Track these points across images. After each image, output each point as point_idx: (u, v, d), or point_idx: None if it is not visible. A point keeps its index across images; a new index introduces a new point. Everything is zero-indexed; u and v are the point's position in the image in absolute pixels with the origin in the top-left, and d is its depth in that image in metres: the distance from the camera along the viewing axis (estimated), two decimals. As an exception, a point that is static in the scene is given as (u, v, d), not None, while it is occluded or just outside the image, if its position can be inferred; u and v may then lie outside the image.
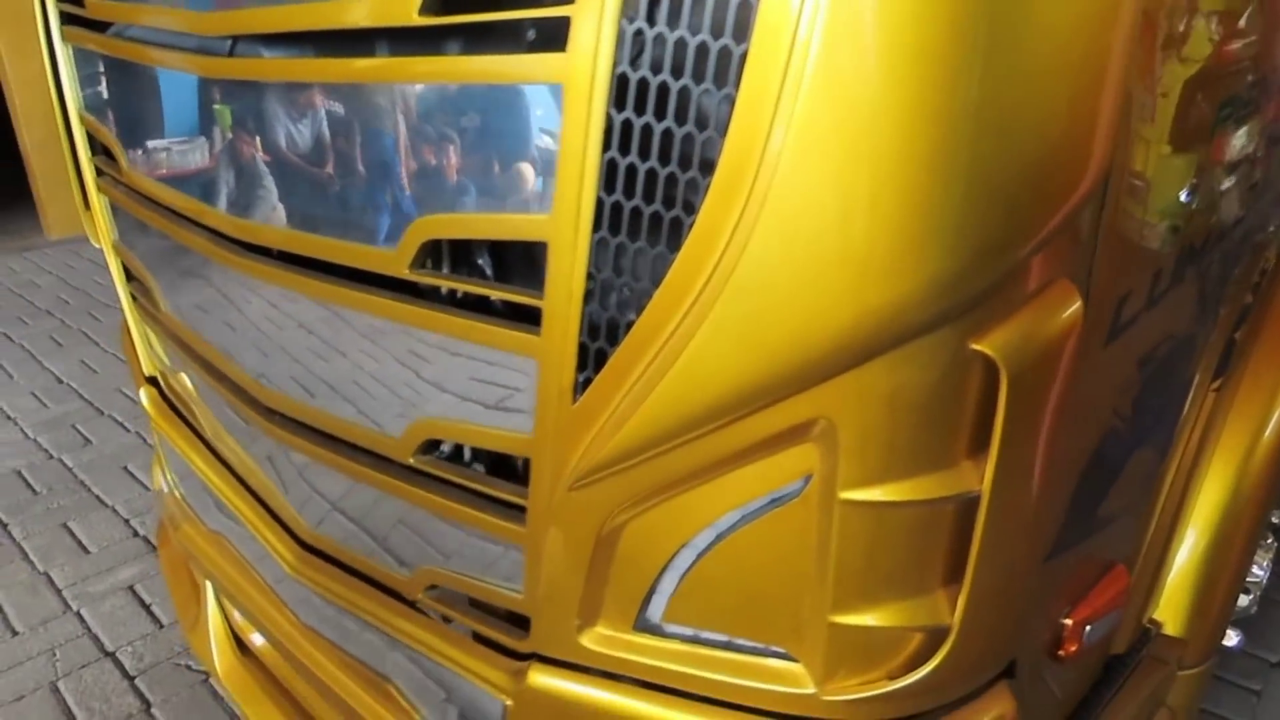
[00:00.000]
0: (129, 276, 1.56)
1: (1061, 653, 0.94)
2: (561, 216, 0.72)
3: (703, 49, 0.63)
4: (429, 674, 1.12)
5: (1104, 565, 1.03)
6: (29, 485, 2.78)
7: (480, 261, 0.88)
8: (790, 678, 0.81)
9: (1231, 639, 1.68)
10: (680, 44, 0.63)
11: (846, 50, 0.57)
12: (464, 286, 0.83)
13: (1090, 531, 0.94)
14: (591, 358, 0.76)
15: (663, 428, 0.74)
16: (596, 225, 0.71)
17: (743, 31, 0.61)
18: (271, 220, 1.01)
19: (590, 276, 0.73)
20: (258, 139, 0.99)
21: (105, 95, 1.37)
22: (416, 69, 0.78)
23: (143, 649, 2.07)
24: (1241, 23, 0.86)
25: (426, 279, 0.86)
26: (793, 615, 0.79)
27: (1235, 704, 1.90)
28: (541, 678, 0.94)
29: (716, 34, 0.62)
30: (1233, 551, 1.31)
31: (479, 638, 1.04)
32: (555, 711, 0.95)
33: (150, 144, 1.24)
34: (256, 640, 1.65)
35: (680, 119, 0.66)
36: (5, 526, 2.57)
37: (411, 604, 1.12)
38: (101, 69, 1.37)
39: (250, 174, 1.03)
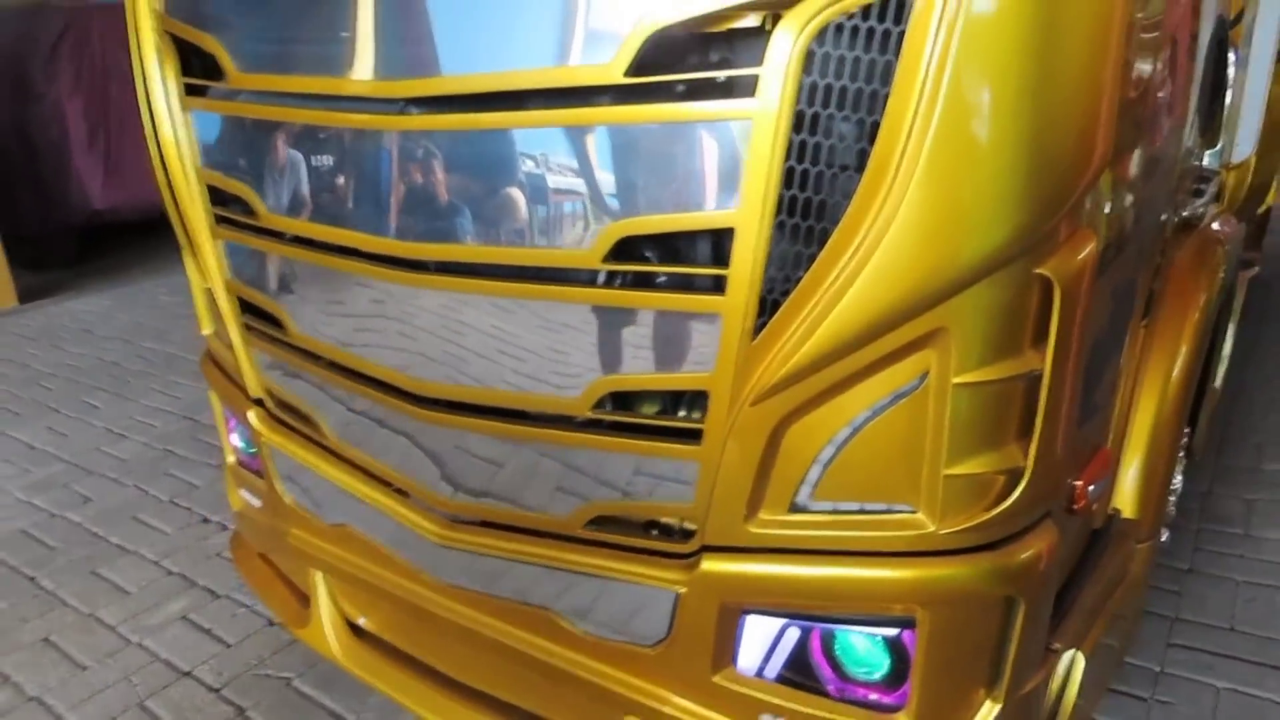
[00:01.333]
0: (242, 310, 1.77)
1: (1076, 507, 1.31)
2: (748, 208, 1.05)
3: (859, 91, 0.98)
4: (589, 592, 1.40)
5: (1095, 445, 1.42)
6: (41, 542, 2.84)
7: (648, 254, 1.20)
8: (913, 524, 1.14)
9: (1163, 535, 2.12)
10: (844, 89, 0.98)
11: (961, 85, 0.93)
12: (664, 270, 1.14)
13: (1091, 414, 1.32)
14: (768, 307, 1.09)
15: (822, 354, 1.07)
16: (777, 212, 1.04)
17: (887, 77, 0.96)
18: (460, 239, 1.29)
19: (769, 249, 1.06)
20: (446, 178, 1.27)
21: (241, 152, 1.61)
22: (636, 114, 1.09)
23: (219, 665, 2.22)
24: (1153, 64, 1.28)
25: (616, 267, 1.17)
26: (913, 476, 1.12)
27: (1162, 604, 2.35)
28: (712, 564, 1.25)
29: (868, 80, 0.97)
30: (1162, 454, 1.73)
31: (638, 549, 1.33)
32: (724, 587, 1.25)
33: (306, 189, 1.48)
34: (364, 623, 1.86)
35: (841, 136, 1.00)
36: (34, 580, 2.64)
37: (568, 539, 1.40)
38: (234, 131, 1.61)
39: (427, 205, 1.31)
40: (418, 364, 1.44)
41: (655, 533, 1.35)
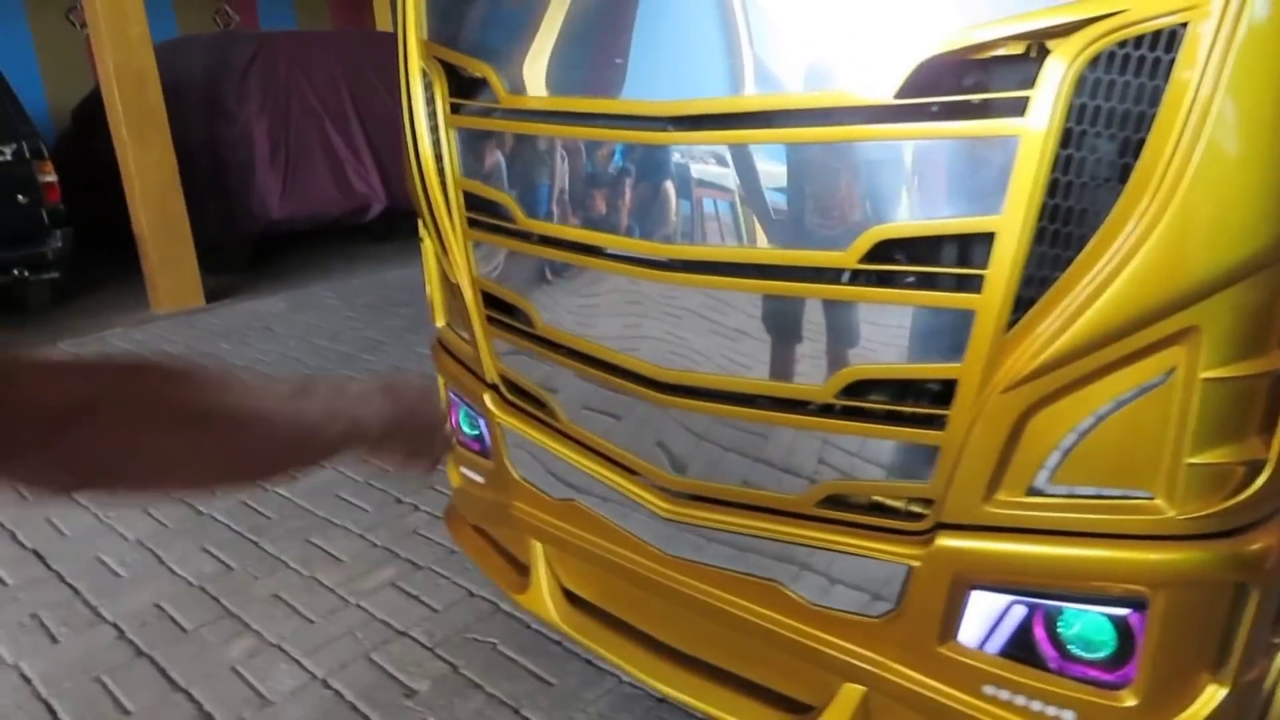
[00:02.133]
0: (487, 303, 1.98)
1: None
2: (1011, 215, 1.17)
3: (1126, 112, 1.09)
4: (818, 565, 1.53)
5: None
6: (259, 512, 3.16)
7: (898, 255, 1.33)
8: (1150, 509, 1.24)
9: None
10: (1111, 110, 1.10)
11: (1227, 107, 1.03)
12: (921, 270, 1.28)
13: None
14: (1021, 304, 1.21)
15: (1073, 349, 1.19)
16: (1039, 217, 1.16)
17: (1154, 99, 1.07)
18: (724, 243, 1.45)
19: (1029, 252, 1.18)
20: (714, 189, 1.44)
21: (502, 163, 1.82)
22: (911, 132, 1.23)
23: (430, 628, 2.45)
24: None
25: (874, 267, 1.30)
26: (1153, 464, 1.22)
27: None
28: (948, 541, 1.37)
29: (1135, 102, 1.09)
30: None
31: (871, 526, 1.46)
32: (957, 563, 1.37)
33: (568, 197, 1.68)
34: (580, 591, 2.05)
35: (1105, 151, 1.12)
36: (257, 544, 2.95)
37: (799, 515, 1.54)
38: (494, 144, 1.83)
39: (696, 211, 1.48)
40: (661, 353, 1.61)
41: (875, 510, 1.48)
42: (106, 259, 6.94)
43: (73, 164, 6.39)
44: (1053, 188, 1.15)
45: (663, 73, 1.47)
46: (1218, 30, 1.02)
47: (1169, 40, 1.06)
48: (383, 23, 9.91)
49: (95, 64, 5.60)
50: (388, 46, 6.83)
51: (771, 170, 1.39)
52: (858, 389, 1.41)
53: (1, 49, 5.51)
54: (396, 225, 7.43)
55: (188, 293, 6.01)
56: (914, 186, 1.26)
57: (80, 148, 6.79)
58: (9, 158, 5.18)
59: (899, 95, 1.22)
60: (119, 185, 5.70)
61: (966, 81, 1.22)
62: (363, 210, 6.95)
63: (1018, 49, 1.17)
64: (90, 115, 6.45)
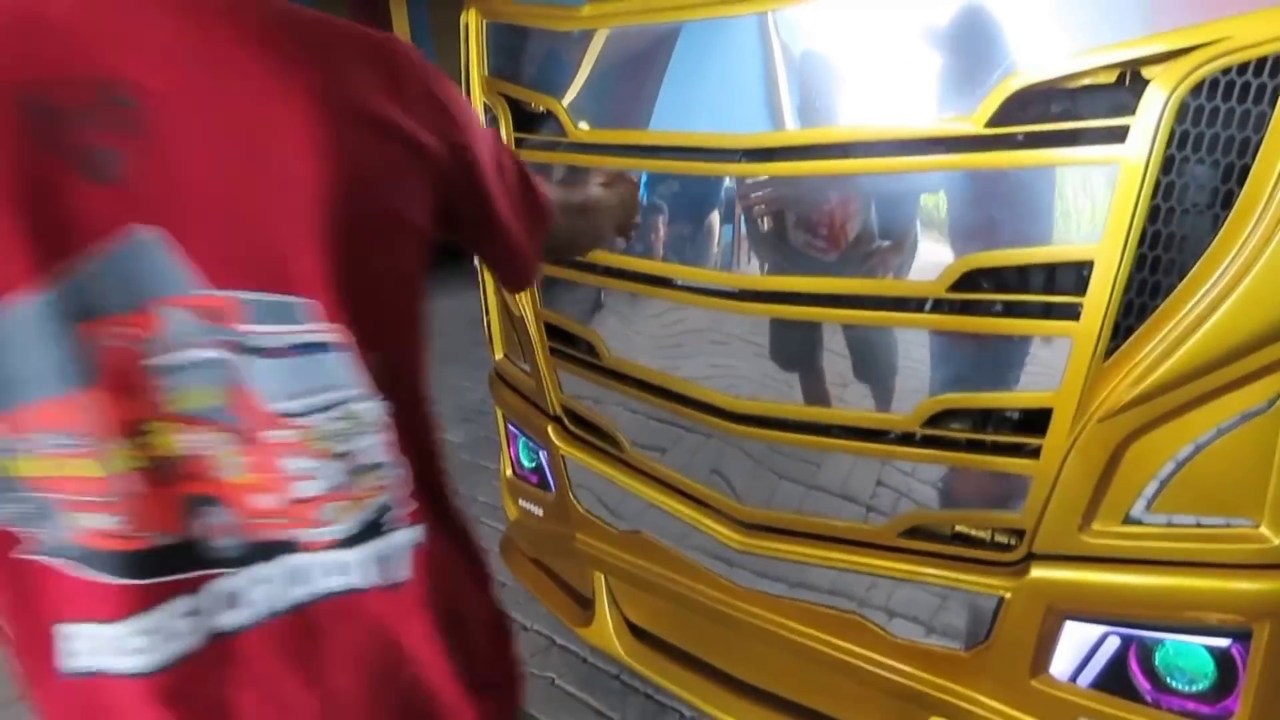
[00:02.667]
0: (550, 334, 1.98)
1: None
2: (1109, 243, 1.17)
3: (1230, 138, 1.09)
4: (903, 598, 1.52)
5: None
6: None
7: (986, 283, 1.33)
8: (1254, 538, 1.22)
9: None
10: (1214, 136, 1.10)
11: (1338, 134, 1.03)
12: (1014, 299, 1.27)
13: None
14: (1120, 332, 1.20)
15: (1174, 377, 1.18)
16: (1140, 244, 1.16)
17: (1259, 125, 1.07)
18: (813, 273, 1.45)
19: (1128, 279, 1.17)
20: (800, 220, 1.45)
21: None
22: (1008, 159, 1.23)
23: (485, 662, 2.43)
24: None
25: (963, 296, 1.30)
26: (1257, 492, 1.20)
27: None
28: (1041, 571, 1.35)
29: (1240, 128, 1.09)
30: None
31: (959, 557, 1.44)
32: (1051, 594, 1.35)
33: (640, 228, 1.69)
34: (645, 624, 2.03)
35: (1207, 178, 1.11)
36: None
37: (882, 546, 1.52)
38: (556, 176, 1.84)
39: (781, 243, 1.48)
40: (737, 384, 1.60)
41: (959, 541, 1.46)
42: None
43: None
44: (1154, 214, 1.15)
45: (742, 105, 1.48)
46: (1325, 56, 1.03)
47: (1275, 66, 1.06)
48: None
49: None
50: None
51: (857, 201, 1.39)
52: (946, 418, 1.40)
53: None
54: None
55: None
56: (1008, 215, 1.26)
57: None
58: None
59: (990, 124, 1.22)
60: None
61: (1056, 109, 1.23)
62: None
63: (1110, 77, 1.17)
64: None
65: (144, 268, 0.59)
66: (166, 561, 0.63)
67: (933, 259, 1.32)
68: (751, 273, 1.51)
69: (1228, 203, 1.11)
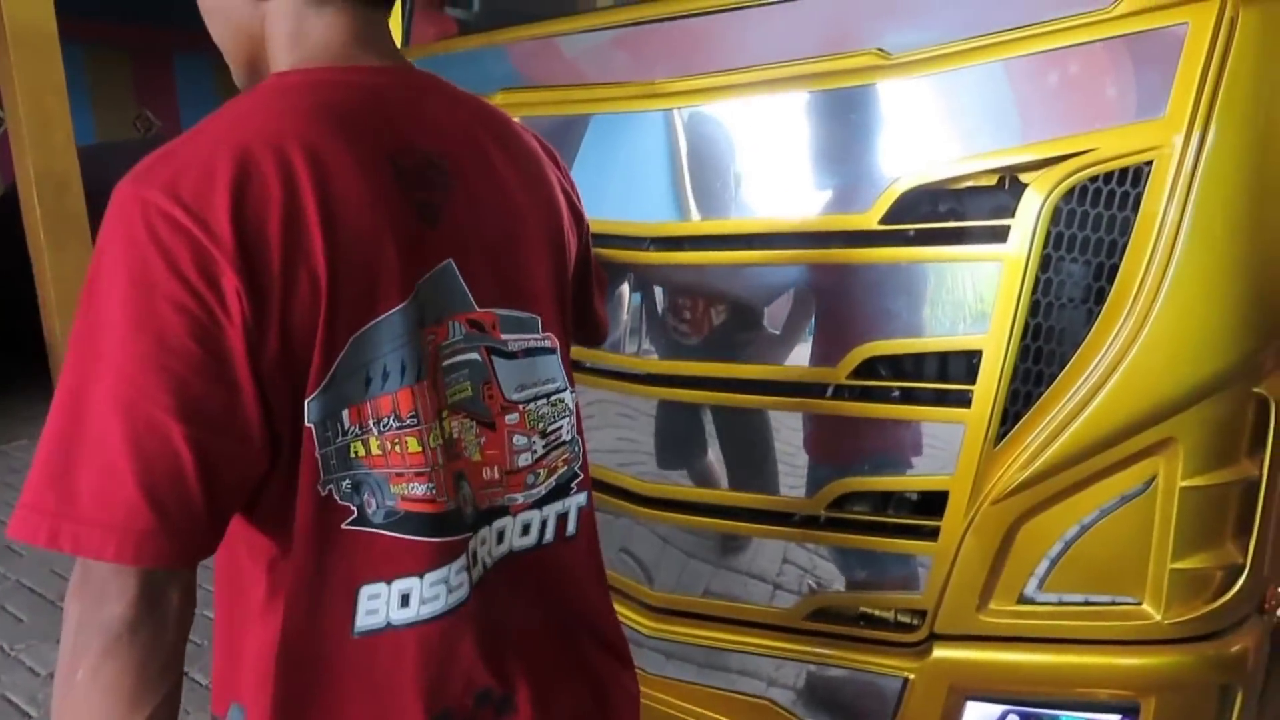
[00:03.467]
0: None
1: (1267, 607, 1.43)
2: (996, 334, 1.24)
3: (1099, 240, 1.18)
4: (808, 680, 1.52)
5: None
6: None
7: (883, 371, 1.38)
8: (1138, 614, 1.28)
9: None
10: (1085, 238, 1.19)
11: (1193, 237, 1.13)
12: (909, 386, 1.32)
13: None
14: (1008, 418, 1.26)
15: (1060, 460, 1.24)
16: (1023, 336, 1.23)
17: (1125, 228, 1.16)
18: (715, 358, 1.48)
19: (1014, 368, 1.24)
20: (708, 306, 1.48)
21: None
22: (899, 255, 1.29)
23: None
24: None
25: (861, 383, 1.35)
26: (1138, 570, 1.27)
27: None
28: (943, 652, 1.38)
29: (1107, 230, 1.18)
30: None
31: (863, 639, 1.46)
32: (953, 674, 1.38)
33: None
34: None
35: (1080, 275, 1.20)
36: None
37: (787, 629, 1.53)
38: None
39: (685, 327, 1.51)
40: (641, 465, 1.61)
41: (864, 622, 1.49)
42: (11, 368, 6.59)
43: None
44: (1034, 308, 1.22)
45: (649, 195, 1.52)
46: (1179, 166, 1.13)
47: (1135, 176, 1.16)
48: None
49: (6, 168, 5.46)
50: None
51: (760, 289, 1.44)
52: (848, 500, 1.43)
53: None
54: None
55: (100, 402, 5.73)
56: (901, 306, 1.33)
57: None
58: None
59: (883, 221, 1.29)
60: (30, 292, 5.47)
61: (943, 208, 1.31)
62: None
63: (990, 180, 1.26)
64: (2, 220, 6.23)
65: (447, 290, 0.76)
66: (453, 524, 0.77)
67: (832, 346, 1.37)
68: (656, 356, 1.54)
69: (1100, 299, 1.20)
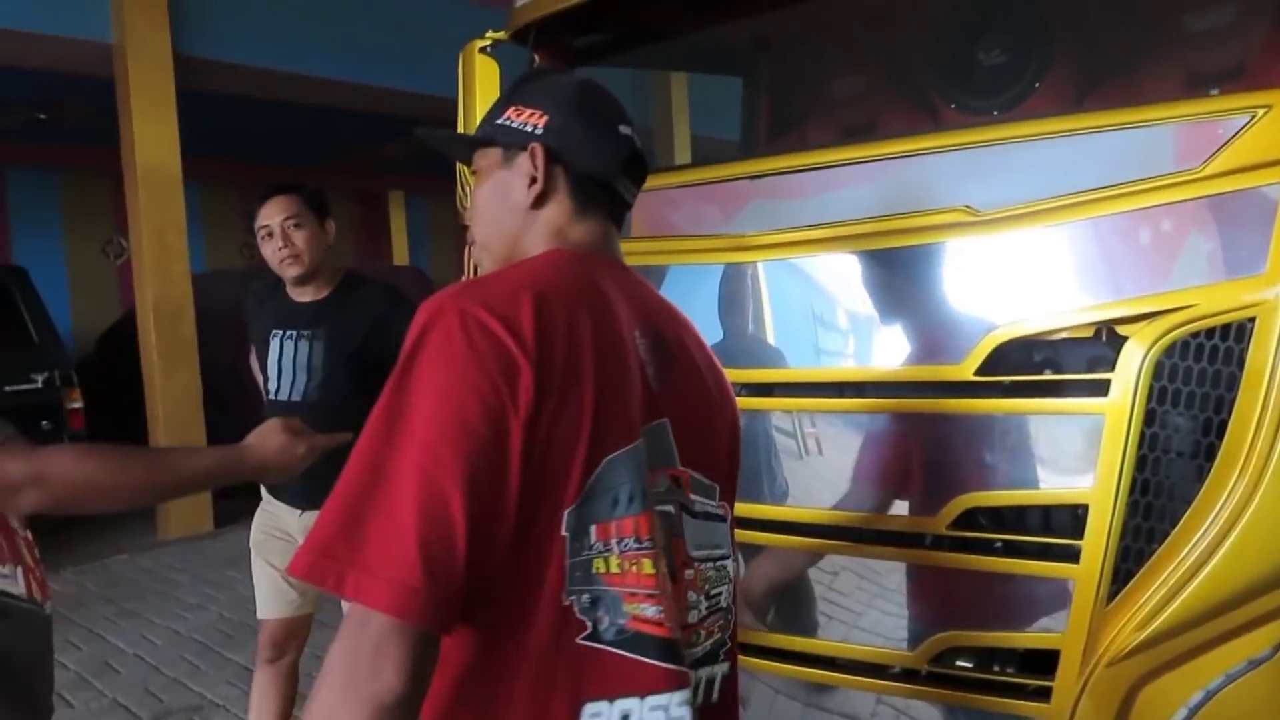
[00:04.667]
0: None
1: None
2: (1103, 487, 1.21)
3: (1206, 396, 1.17)
4: None
5: None
6: None
7: (984, 521, 1.36)
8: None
9: None
10: (1191, 394, 1.17)
11: (1306, 395, 1.11)
12: (1014, 539, 1.30)
13: None
14: (1120, 575, 1.22)
15: (1179, 622, 1.19)
16: (1130, 491, 1.20)
17: (1230, 384, 1.15)
18: (815, 505, 1.49)
19: (1123, 524, 1.21)
20: (795, 454, 1.50)
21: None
22: (991, 406, 1.30)
23: None
24: None
25: (963, 534, 1.33)
26: (1271, 742, 1.19)
27: None
28: (1061, 823, 1.30)
29: (1213, 385, 1.16)
30: None
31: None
32: None
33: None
34: None
35: (1188, 430, 1.18)
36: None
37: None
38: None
39: (771, 476, 1.52)
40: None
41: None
42: (115, 481, 6.88)
43: (94, 387, 6.52)
44: (1141, 463, 1.20)
45: (740, 344, 1.56)
46: (1285, 323, 1.12)
47: (1239, 331, 1.15)
48: (399, 257, 10.52)
49: (126, 293, 5.84)
50: (415, 282, 7.17)
51: (854, 437, 1.45)
52: (951, 654, 1.39)
53: (39, 278, 5.76)
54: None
55: (198, 518, 5.95)
56: (1002, 457, 1.32)
57: (103, 372, 6.95)
58: (39, 385, 5.30)
59: (979, 372, 1.30)
60: (140, 409, 5.79)
61: (1039, 358, 1.31)
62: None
63: (1087, 333, 1.26)
64: (117, 342, 6.66)
65: (661, 443, 0.85)
66: (677, 652, 0.81)
67: (930, 496, 1.36)
68: (751, 501, 1.55)
69: (1210, 454, 1.17)
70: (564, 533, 0.76)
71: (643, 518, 0.79)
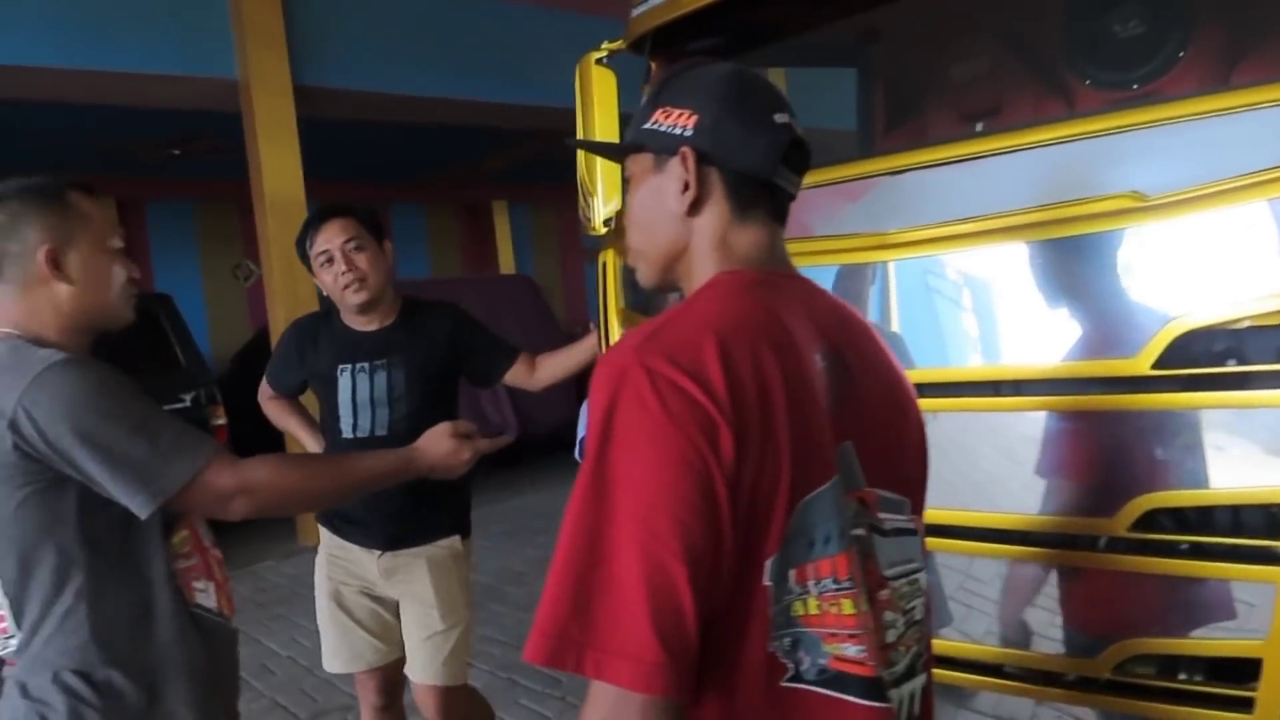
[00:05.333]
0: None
1: None
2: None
3: None
4: None
5: None
6: None
7: (1164, 522, 1.29)
8: None
9: None
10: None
11: None
12: (1203, 540, 1.23)
13: None
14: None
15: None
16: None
17: None
18: (977, 508, 1.44)
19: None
20: (966, 455, 1.45)
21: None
22: (1172, 400, 1.23)
23: None
24: None
25: (1147, 536, 1.27)
26: None
27: None
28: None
29: None
30: None
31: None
32: None
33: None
34: None
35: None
36: None
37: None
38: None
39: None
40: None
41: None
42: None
43: (233, 404, 6.90)
44: (1349, 457, 1.12)
45: (901, 342, 1.52)
46: None
47: None
48: (505, 265, 10.73)
49: (254, 314, 6.13)
50: (524, 290, 7.28)
51: (1022, 436, 1.40)
52: (1134, 661, 1.33)
53: (179, 303, 6.13)
54: (522, 453, 7.64)
55: (332, 525, 6.21)
56: (1183, 455, 1.25)
57: (240, 388, 7.35)
58: (188, 404, 5.64)
59: (1157, 365, 1.23)
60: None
61: (1219, 348, 1.23)
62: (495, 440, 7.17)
63: (1275, 320, 1.18)
64: (252, 359, 7.03)
65: (847, 468, 0.82)
66: (881, 691, 0.79)
67: (1106, 497, 1.30)
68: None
69: None
70: (767, 582, 0.75)
71: (840, 558, 0.77)
